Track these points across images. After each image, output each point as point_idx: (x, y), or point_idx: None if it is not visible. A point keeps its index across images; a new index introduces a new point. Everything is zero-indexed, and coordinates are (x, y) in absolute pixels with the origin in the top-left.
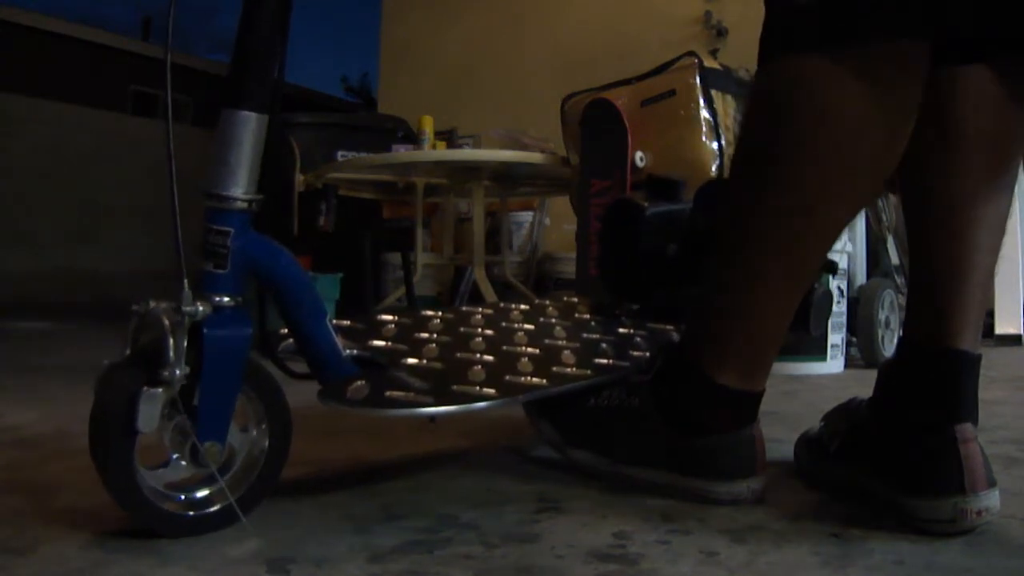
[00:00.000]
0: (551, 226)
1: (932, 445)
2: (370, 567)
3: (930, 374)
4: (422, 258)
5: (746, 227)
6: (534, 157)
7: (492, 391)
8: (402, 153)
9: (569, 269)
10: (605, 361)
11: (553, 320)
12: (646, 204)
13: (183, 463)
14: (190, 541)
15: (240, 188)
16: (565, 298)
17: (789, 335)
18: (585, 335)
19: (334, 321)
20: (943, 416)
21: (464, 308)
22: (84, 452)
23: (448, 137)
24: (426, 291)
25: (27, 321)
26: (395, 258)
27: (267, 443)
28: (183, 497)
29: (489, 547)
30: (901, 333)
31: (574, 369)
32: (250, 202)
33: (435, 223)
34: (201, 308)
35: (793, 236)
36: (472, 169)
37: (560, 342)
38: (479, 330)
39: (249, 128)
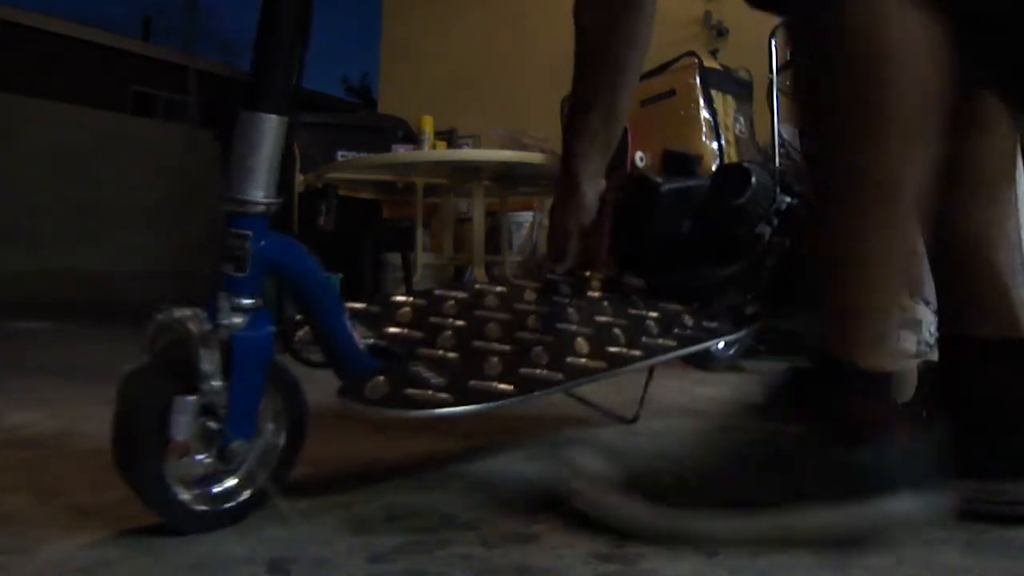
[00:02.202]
0: None
1: None
2: (370, 567)
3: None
4: (422, 258)
5: (862, 184)
6: (534, 157)
7: (509, 387)
8: (402, 153)
9: None
10: (617, 350)
11: (565, 300)
12: (660, 180)
13: (206, 460)
14: (190, 541)
15: (260, 191)
16: (578, 272)
17: (801, 322)
18: (597, 318)
19: (349, 304)
20: None
21: (477, 286)
22: (84, 452)
23: (448, 137)
24: None
25: (27, 321)
26: (395, 258)
27: (284, 437)
28: (211, 493)
29: (489, 547)
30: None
31: (588, 360)
32: (269, 205)
33: (435, 223)
34: (236, 320)
35: (902, 179)
36: (472, 169)
37: (572, 327)
38: (492, 313)
39: (269, 131)
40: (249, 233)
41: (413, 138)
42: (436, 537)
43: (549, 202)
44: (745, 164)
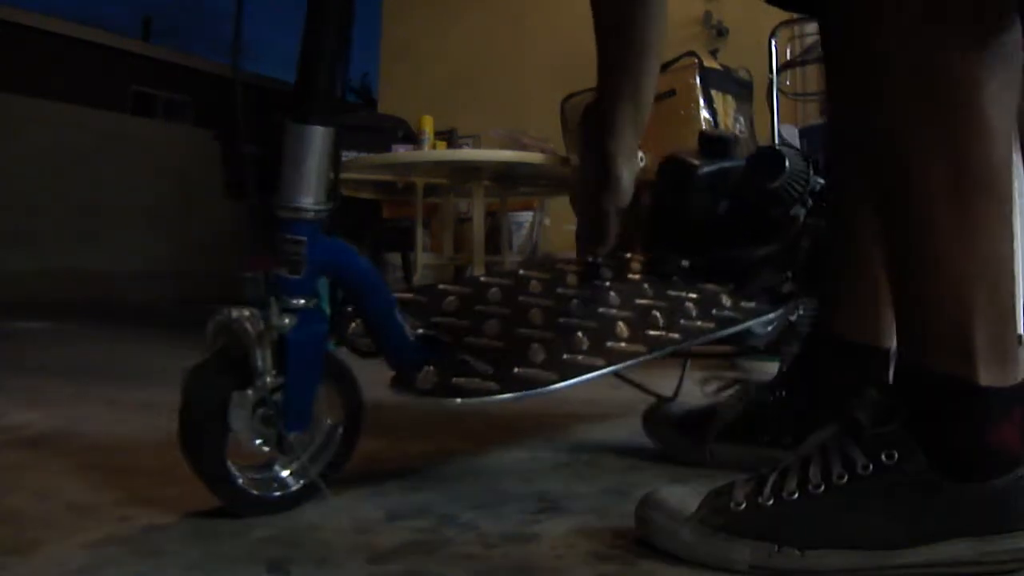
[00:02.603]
0: (551, 226)
1: None
2: (370, 567)
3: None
4: (422, 258)
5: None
6: (534, 157)
7: (552, 374)
8: (402, 153)
9: None
10: (656, 333)
11: (607, 283)
12: (697, 162)
13: (265, 448)
14: (190, 541)
15: (311, 199)
16: (619, 253)
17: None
18: (637, 300)
19: (398, 294)
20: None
21: (521, 272)
22: (84, 452)
23: (448, 137)
24: None
25: (27, 321)
26: (395, 258)
27: (341, 431)
28: (268, 480)
29: (489, 547)
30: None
31: (627, 344)
32: (319, 211)
33: (435, 223)
34: (288, 321)
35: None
36: (472, 169)
37: (612, 310)
38: (535, 299)
39: (316, 142)
40: (304, 239)
41: (413, 138)
42: (436, 537)
43: (549, 202)
44: (779, 147)
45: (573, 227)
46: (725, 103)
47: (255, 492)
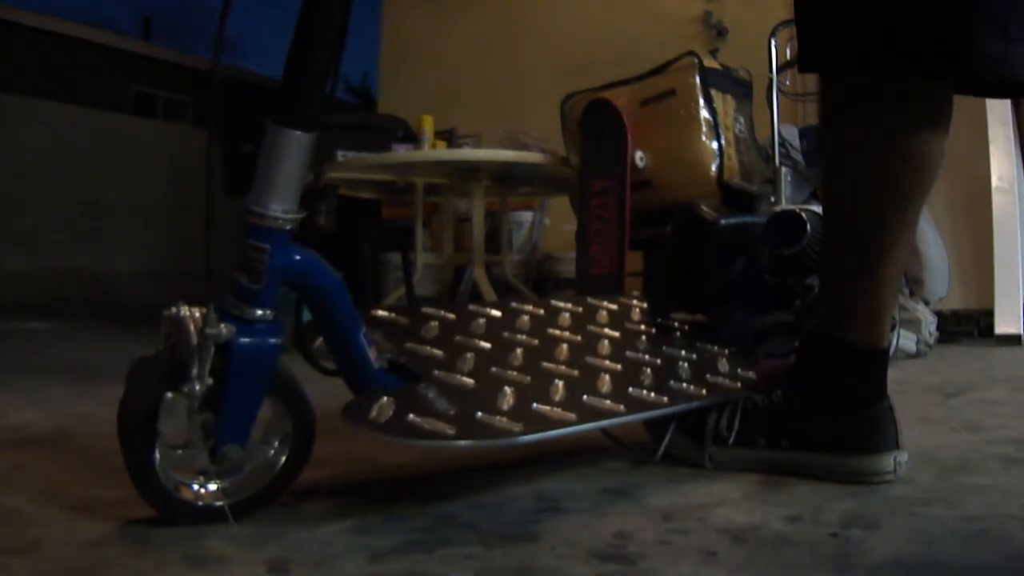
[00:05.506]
0: (551, 226)
1: (873, 414)
2: (370, 567)
3: (871, 363)
4: (422, 258)
5: (877, 220)
6: (534, 157)
7: (516, 426)
8: (402, 153)
9: (569, 269)
10: (642, 393)
11: (603, 329)
12: (713, 216)
13: (198, 455)
14: (189, 540)
15: (280, 206)
16: (622, 299)
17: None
18: (629, 353)
19: (379, 312)
20: (882, 392)
21: (513, 304)
22: (84, 452)
23: (448, 137)
24: (426, 291)
25: (27, 321)
26: (395, 258)
27: (284, 458)
28: (200, 489)
29: (489, 547)
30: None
31: (607, 402)
32: (288, 219)
33: (435, 223)
34: (224, 331)
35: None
36: (472, 169)
37: (601, 361)
38: (521, 337)
39: (294, 147)
40: (267, 247)
41: (413, 138)
42: (436, 537)
43: (549, 202)
44: (802, 211)
45: (573, 227)
46: (725, 103)
47: (185, 499)
